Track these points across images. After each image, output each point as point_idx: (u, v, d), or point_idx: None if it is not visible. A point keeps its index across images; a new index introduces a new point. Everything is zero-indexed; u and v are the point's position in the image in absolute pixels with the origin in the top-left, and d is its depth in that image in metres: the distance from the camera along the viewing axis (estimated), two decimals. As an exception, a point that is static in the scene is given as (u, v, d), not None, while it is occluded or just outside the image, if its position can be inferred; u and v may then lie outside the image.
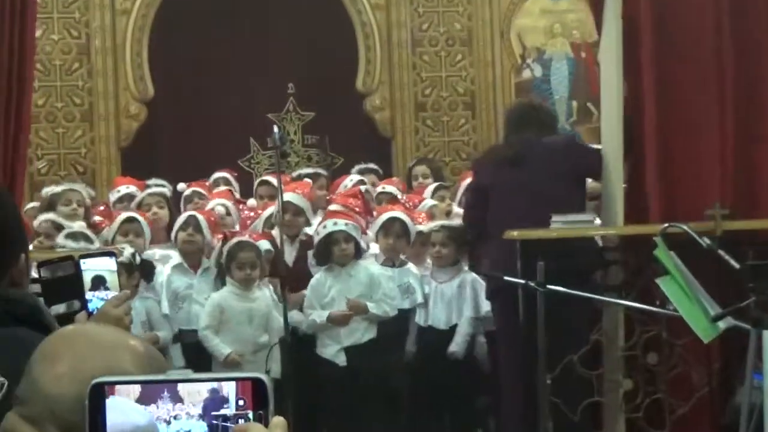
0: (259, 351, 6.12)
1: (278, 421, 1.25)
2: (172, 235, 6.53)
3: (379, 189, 7.82)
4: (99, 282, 2.74)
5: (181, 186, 7.61)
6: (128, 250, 6.04)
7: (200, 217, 6.54)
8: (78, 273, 2.71)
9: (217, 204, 7.03)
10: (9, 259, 2.48)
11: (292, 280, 6.23)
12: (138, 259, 6.06)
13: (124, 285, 5.88)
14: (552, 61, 9.82)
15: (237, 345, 6.13)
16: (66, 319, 2.70)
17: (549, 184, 5.71)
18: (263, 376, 1.26)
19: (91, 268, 2.75)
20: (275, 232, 6.37)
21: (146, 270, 6.16)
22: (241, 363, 6.05)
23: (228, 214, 7.01)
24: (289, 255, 6.50)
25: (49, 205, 6.84)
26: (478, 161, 6.38)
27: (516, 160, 5.79)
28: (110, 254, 2.82)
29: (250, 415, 1.26)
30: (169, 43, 9.44)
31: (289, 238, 6.50)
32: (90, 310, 2.70)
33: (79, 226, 6.40)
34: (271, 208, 6.88)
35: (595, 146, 6.04)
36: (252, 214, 7.09)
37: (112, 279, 2.75)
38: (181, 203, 7.39)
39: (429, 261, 6.62)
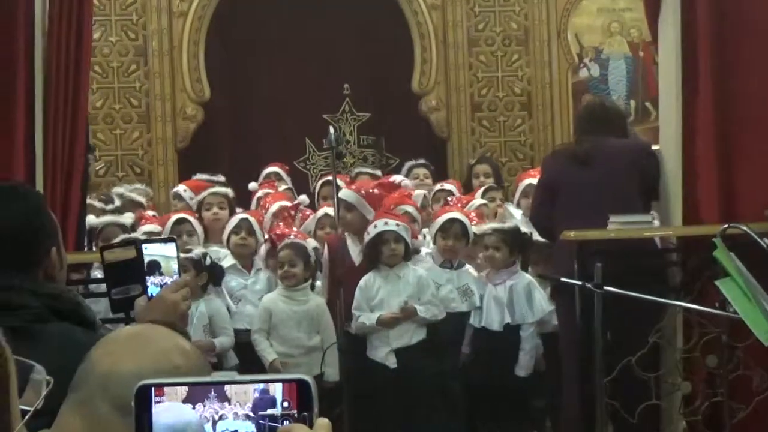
0: (311, 353, 6.13)
1: (322, 423, 1.25)
2: (224, 237, 6.56)
3: (437, 186, 7.83)
4: (153, 267, 2.76)
5: (252, 185, 7.66)
6: (199, 249, 6.08)
7: (252, 219, 6.56)
8: (140, 258, 2.74)
9: (281, 205, 7.01)
10: (38, 254, 2.50)
11: (358, 279, 6.23)
12: (209, 260, 6.08)
13: (191, 283, 6.00)
14: (609, 61, 9.74)
15: (285, 347, 6.14)
16: (126, 302, 2.74)
17: (618, 185, 5.68)
18: (308, 378, 1.26)
19: (152, 253, 2.77)
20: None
21: (216, 273, 6.17)
22: (282, 369, 6.06)
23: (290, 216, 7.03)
24: (357, 255, 6.48)
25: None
26: (547, 158, 6.36)
27: (586, 159, 5.77)
28: (172, 240, 2.84)
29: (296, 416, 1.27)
30: (225, 45, 9.48)
31: (358, 238, 6.49)
32: (149, 294, 2.73)
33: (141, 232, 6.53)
34: (322, 210, 6.88)
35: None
36: (300, 215, 7.08)
37: (166, 264, 2.76)
38: (253, 203, 7.41)
39: (479, 262, 6.60)
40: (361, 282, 6.25)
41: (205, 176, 7.90)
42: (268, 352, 6.13)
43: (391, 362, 6.14)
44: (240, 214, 6.71)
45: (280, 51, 9.45)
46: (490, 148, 9.63)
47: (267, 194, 7.40)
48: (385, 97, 9.55)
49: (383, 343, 6.19)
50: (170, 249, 2.79)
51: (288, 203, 7.11)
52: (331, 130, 6.02)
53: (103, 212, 7.07)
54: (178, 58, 9.28)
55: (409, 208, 6.71)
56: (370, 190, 6.68)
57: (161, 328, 1.86)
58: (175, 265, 2.77)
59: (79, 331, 2.38)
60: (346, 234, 6.45)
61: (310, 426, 1.25)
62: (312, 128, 9.34)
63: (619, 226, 5.56)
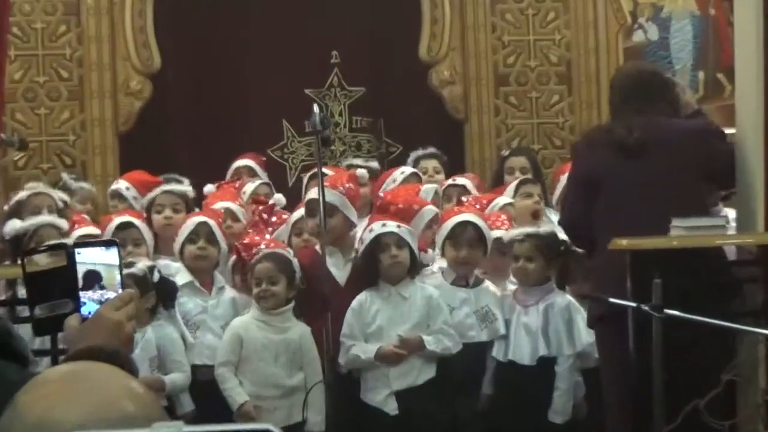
0: (291, 395, 6.14)
1: None
2: (176, 246, 6.55)
3: (449, 182, 7.80)
4: (92, 279, 2.74)
5: (208, 188, 7.60)
6: (143, 263, 6.08)
7: (212, 222, 6.54)
8: (71, 266, 2.72)
9: (224, 207, 7.01)
10: None
11: (342, 304, 6.23)
12: (156, 276, 6.08)
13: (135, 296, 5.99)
14: (671, 21, 9.76)
15: (259, 387, 6.15)
16: (54, 322, 2.72)
17: (679, 181, 5.68)
18: (273, 429, 1.27)
19: (87, 260, 2.76)
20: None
21: (167, 291, 6.17)
22: (255, 415, 6.06)
23: (236, 219, 6.98)
24: (340, 271, 6.49)
25: (15, 213, 6.98)
26: (583, 145, 6.33)
27: (640, 148, 5.74)
28: (113, 244, 2.83)
29: None
30: (180, 1, 9.49)
31: (339, 250, 6.48)
32: (83, 314, 2.71)
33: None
34: (299, 212, 6.88)
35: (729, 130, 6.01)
36: (275, 219, 7.08)
37: (108, 275, 2.75)
38: None
39: (511, 277, 6.61)
40: (354, 303, 6.25)
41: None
42: (236, 392, 6.14)
43: (392, 408, 6.15)
44: (196, 217, 6.70)
45: (251, 9, 9.46)
46: (519, 131, 9.64)
47: (217, 188, 7.37)
48: (385, 68, 9.56)
49: (382, 384, 6.19)
50: (112, 255, 2.78)
51: (233, 205, 7.03)
52: (316, 109, 6.01)
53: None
54: (120, 18, 9.29)
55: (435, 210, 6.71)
56: (348, 185, 6.68)
57: (105, 365, 1.87)
58: (118, 276, 2.77)
59: (13, 368, 2.39)
60: (330, 247, 6.43)
61: None
62: (291, 107, 9.35)
63: (683, 232, 5.57)
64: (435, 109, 9.61)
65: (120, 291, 2.74)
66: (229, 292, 6.52)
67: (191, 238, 6.52)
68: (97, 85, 9.26)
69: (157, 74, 9.35)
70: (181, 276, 6.46)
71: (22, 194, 7.27)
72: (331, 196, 6.49)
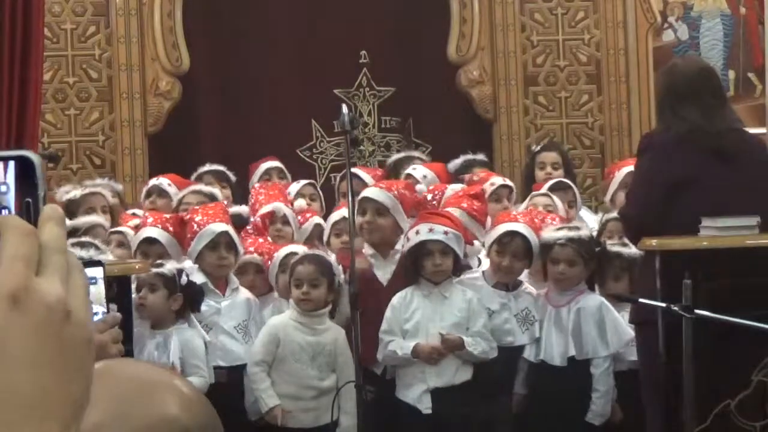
0: (323, 397, 6.16)
1: (51, 212, 1.12)
2: (193, 252, 6.45)
3: (499, 182, 7.57)
4: None
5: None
6: (172, 264, 6.07)
7: (231, 231, 6.42)
8: None
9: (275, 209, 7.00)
10: None
11: (385, 305, 6.27)
12: (184, 279, 6.10)
13: (162, 307, 6.04)
14: (702, 20, 9.76)
15: (293, 387, 6.15)
16: None
17: (765, 187, 5.71)
18: (30, 154, 1.16)
19: None
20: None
21: (194, 295, 6.17)
22: (285, 419, 6.08)
23: (286, 222, 6.95)
24: (383, 271, 6.54)
25: (68, 214, 6.96)
26: (672, 143, 5.89)
27: (732, 153, 5.75)
28: (97, 264, 2.86)
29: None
30: (209, 2, 9.54)
31: (384, 251, 6.50)
32: None
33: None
34: (340, 213, 6.88)
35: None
36: (299, 218, 7.10)
37: (93, 290, 2.78)
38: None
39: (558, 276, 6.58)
40: (395, 299, 6.26)
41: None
42: (269, 394, 6.13)
43: (425, 406, 6.15)
44: (214, 225, 6.47)
45: (280, 9, 9.49)
46: (549, 131, 9.65)
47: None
48: (414, 68, 9.58)
49: (418, 381, 6.20)
50: (97, 273, 2.81)
51: (285, 208, 6.96)
52: (345, 109, 6.05)
53: None
54: (149, 18, 9.33)
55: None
56: (402, 190, 6.67)
57: (142, 362, 1.81)
58: (102, 290, 2.78)
59: None
60: (365, 248, 6.45)
61: (35, 215, 1.14)
62: (320, 107, 9.38)
63: (714, 232, 5.58)
64: (464, 109, 9.63)
65: (103, 310, 2.74)
66: (244, 293, 6.47)
67: (211, 246, 6.39)
68: (127, 86, 9.31)
69: (187, 75, 9.39)
70: (194, 277, 6.36)
71: (74, 193, 7.23)
72: (384, 197, 6.53)
